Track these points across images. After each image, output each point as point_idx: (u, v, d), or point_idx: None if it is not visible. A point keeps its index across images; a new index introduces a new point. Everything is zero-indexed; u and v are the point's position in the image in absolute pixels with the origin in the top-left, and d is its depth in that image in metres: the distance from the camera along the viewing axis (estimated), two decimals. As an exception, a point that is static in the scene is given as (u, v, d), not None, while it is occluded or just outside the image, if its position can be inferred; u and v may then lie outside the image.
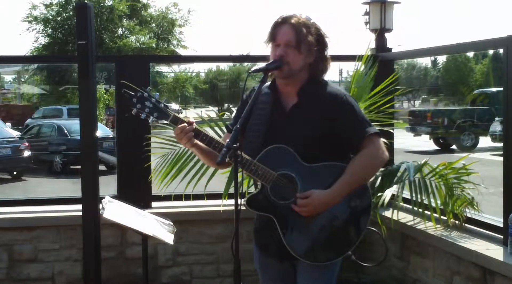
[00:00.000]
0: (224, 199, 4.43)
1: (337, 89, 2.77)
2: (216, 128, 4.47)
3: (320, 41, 2.73)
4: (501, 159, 3.53)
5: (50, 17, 28.70)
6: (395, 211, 4.01)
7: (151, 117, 2.68)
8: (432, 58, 56.98)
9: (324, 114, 2.68)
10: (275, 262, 2.84)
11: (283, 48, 2.67)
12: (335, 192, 2.64)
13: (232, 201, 2.59)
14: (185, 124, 2.66)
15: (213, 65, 52.52)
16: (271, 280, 2.91)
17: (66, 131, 17.09)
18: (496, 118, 18.25)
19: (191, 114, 32.25)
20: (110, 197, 3.80)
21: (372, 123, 2.82)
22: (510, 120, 3.41)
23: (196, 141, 2.69)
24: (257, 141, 2.72)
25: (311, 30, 2.69)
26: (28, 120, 25.14)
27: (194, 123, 2.70)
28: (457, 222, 3.91)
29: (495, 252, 3.38)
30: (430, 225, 3.95)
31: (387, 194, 4.12)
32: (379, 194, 4.09)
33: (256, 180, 2.69)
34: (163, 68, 33.55)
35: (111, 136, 16.52)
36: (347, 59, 5.11)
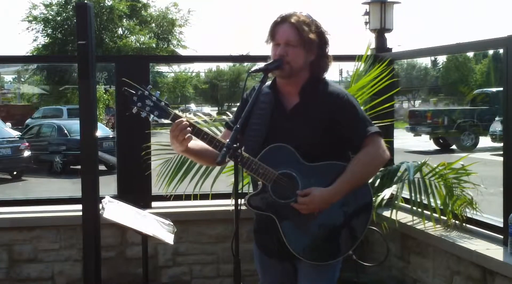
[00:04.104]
0: (233, 199, 4.44)
1: (338, 88, 2.76)
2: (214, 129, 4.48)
3: (321, 38, 2.72)
4: (501, 159, 3.53)
5: (50, 17, 28.71)
6: (395, 211, 4.01)
7: (152, 116, 2.67)
8: (432, 58, 57.01)
9: (325, 114, 2.68)
10: (276, 261, 2.84)
11: (283, 48, 2.67)
12: (335, 190, 2.64)
13: (231, 201, 2.59)
14: (183, 119, 2.65)
15: (213, 65, 52.69)
16: (272, 280, 2.91)
17: (66, 131, 17.09)
18: (496, 118, 18.25)
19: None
20: (110, 197, 3.79)
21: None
22: (510, 120, 3.41)
23: (189, 146, 2.68)
24: (257, 140, 2.71)
25: (311, 28, 2.69)
26: (28, 120, 25.13)
27: (190, 121, 2.68)
28: (457, 222, 3.91)
29: (495, 252, 3.38)
30: (430, 225, 3.95)
31: (387, 194, 4.12)
32: (378, 194, 4.10)
33: (256, 179, 2.69)
34: (163, 68, 33.59)
35: (111, 136, 16.52)
36: (347, 59, 5.11)
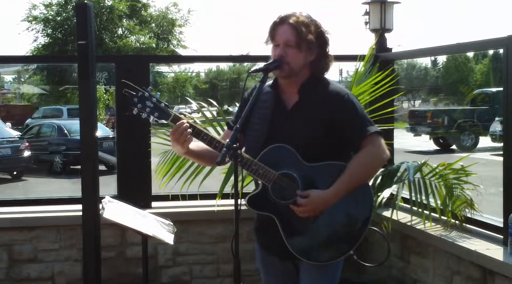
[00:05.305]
0: (218, 199, 4.45)
1: (339, 87, 2.76)
2: (218, 128, 4.48)
3: (321, 38, 2.72)
4: (501, 159, 3.53)
5: (50, 17, 28.69)
6: (395, 211, 4.01)
7: (152, 117, 2.68)
8: (432, 58, 56.97)
9: (325, 114, 2.68)
10: (277, 260, 2.84)
11: (282, 48, 2.67)
12: (334, 191, 2.64)
13: (231, 201, 2.59)
14: (183, 121, 2.65)
15: (213, 65, 52.52)
16: (273, 278, 2.91)
17: (66, 131, 17.09)
18: (496, 118, 18.25)
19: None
20: (110, 197, 3.79)
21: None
22: (510, 120, 3.41)
23: (190, 147, 2.68)
24: (258, 140, 2.71)
25: (311, 28, 2.69)
26: (28, 120, 25.13)
27: (190, 122, 2.68)
28: (456, 222, 3.91)
29: (495, 252, 3.38)
30: (429, 225, 3.95)
31: (387, 194, 4.12)
32: (378, 194, 4.09)
33: (256, 179, 2.69)
34: (163, 68, 33.55)
35: (111, 136, 16.52)
36: (348, 59, 5.11)
